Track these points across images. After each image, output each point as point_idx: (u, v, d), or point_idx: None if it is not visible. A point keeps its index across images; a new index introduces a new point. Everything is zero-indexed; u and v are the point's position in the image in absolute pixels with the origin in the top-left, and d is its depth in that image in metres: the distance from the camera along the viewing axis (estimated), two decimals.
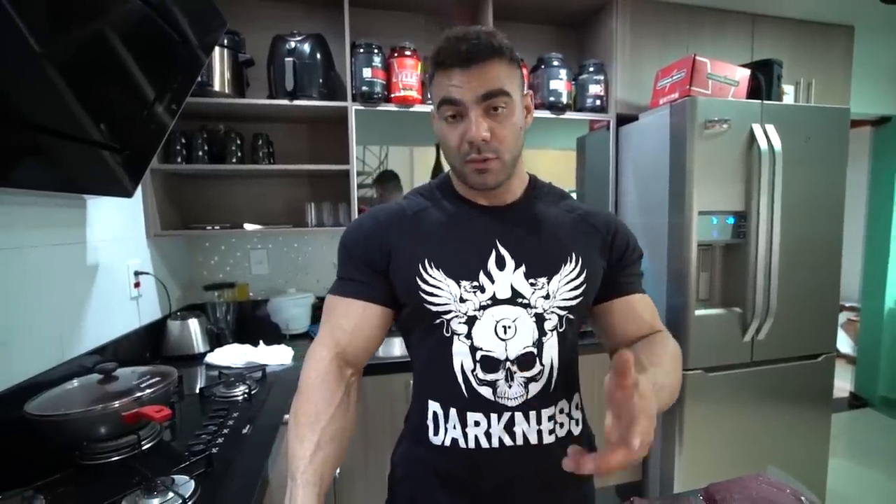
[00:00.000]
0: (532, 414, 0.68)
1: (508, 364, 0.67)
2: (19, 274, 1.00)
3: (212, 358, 1.50)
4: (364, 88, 1.71)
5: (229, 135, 1.73)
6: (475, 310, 0.66)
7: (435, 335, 0.68)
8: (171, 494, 0.73)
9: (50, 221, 1.12)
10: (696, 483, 0.84)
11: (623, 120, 2.03)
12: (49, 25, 0.74)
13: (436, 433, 0.70)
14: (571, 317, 0.69)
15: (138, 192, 1.42)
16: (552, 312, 0.68)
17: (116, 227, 1.41)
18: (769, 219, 1.68)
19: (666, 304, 1.77)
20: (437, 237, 0.70)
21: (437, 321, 0.67)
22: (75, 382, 0.97)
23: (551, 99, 1.91)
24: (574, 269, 0.69)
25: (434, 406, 0.70)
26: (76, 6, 0.78)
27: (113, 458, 0.89)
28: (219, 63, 1.61)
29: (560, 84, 1.91)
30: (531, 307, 0.67)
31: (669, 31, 2.05)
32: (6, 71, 0.69)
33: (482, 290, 0.67)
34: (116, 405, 0.87)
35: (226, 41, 1.61)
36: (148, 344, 1.50)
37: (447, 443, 0.69)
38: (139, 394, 0.90)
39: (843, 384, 2.99)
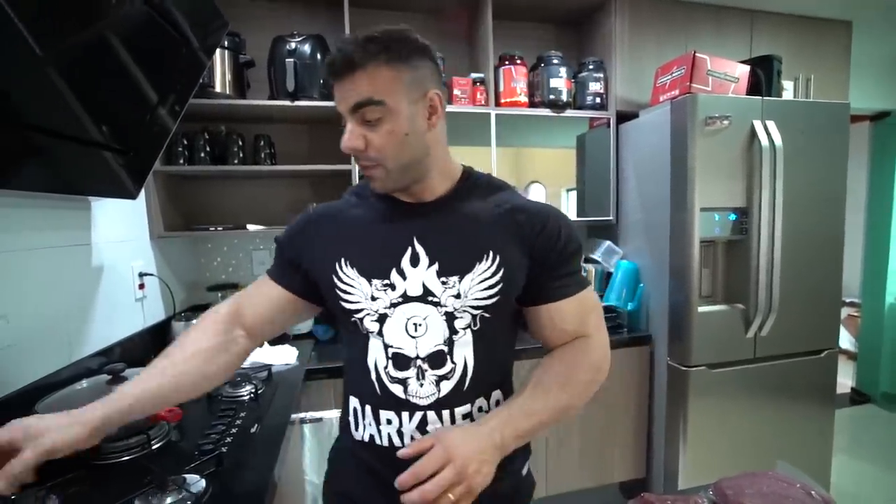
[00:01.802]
0: (445, 413, 0.67)
1: (419, 362, 0.66)
2: (28, 276, 1.00)
3: None
4: None
5: (231, 136, 1.74)
6: (386, 307, 0.67)
7: (353, 332, 0.70)
8: (183, 493, 0.74)
9: (56, 224, 1.12)
10: (701, 479, 0.84)
11: (623, 117, 2.03)
12: (50, 28, 0.74)
13: (356, 428, 0.72)
14: (488, 315, 0.67)
15: (141, 193, 1.43)
16: (464, 311, 0.66)
17: (120, 229, 1.41)
18: (771, 215, 1.69)
19: (668, 300, 1.78)
20: (357, 236, 0.71)
21: (353, 319, 0.69)
22: (84, 383, 0.97)
23: (551, 97, 1.92)
24: (489, 267, 0.66)
25: (354, 402, 0.72)
26: (77, 8, 0.78)
27: (123, 458, 0.89)
28: (220, 64, 1.61)
29: (560, 82, 1.92)
30: (441, 305, 0.66)
31: (668, 28, 2.06)
32: (7, 73, 0.69)
33: (392, 287, 0.67)
34: None
35: (226, 42, 1.61)
36: (153, 345, 1.50)
37: (365, 438, 0.71)
38: None
39: (844, 380, 2.99)
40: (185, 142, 1.67)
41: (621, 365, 1.87)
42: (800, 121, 1.72)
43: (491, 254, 0.66)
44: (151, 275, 1.53)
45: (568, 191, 2.21)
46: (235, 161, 1.73)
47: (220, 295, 1.82)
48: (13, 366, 0.93)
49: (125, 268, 1.41)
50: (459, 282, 0.66)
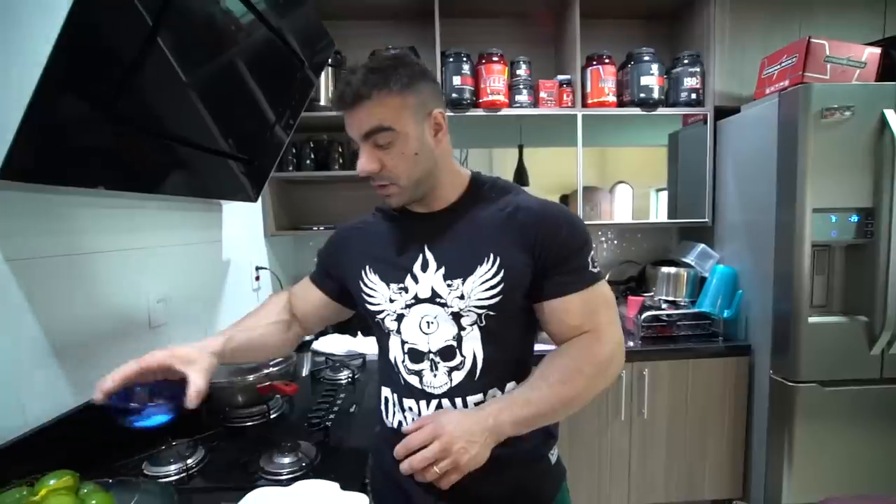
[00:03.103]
0: (458, 401, 0.72)
1: (432, 355, 0.72)
2: (179, 267, 1.21)
3: (317, 345, 1.67)
4: (454, 95, 1.80)
5: (332, 144, 1.91)
6: (402, 308, 0.73)
7: (379, 331, 0.79)
8: (299, 455, 0.86)
9: (197, 224, 1.33)
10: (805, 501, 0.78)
11: (722, 113, 1.90)
12: (192, 57, 0.88)
13: (387, 416, 0.79)
14: (493, 313, 0.70)
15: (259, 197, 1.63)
16: (469, 311, 0.70)
17: (242, 229, 1.63)
18: None
19: (772, 309, 1.63)
20: (378, 246, 0.79)
21: (376, 319, 0.77)
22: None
23: (641, 95, 1.86)
24: (490, 269, 0.69)
25: (385, 392, 0.80)
26: (213, 38, 0.92)
27: (248, 423, 1.05)
28: (324, 80, 1.79)
29: (651, 79, 1.85)
30: (448, 306, 0.71)
31: (777, 13, 1.89)
32: (159, 96, 0.85)
33: (406, 290, 0.73)
34: (251, 378, 1.03)
35: (329, 59, 1.78)
36: None
37: (395, 424, 0.77)
38: (268, 371, 1.06)
39: None
40: (294, 150, 1.87)
41: (714, 375, 1.75)
42: None
43: (491, 256, 0.70)
44: (265, 268, 1.74)
45: (657, 191, 2.11)
46: (336, 167, 1.90)
47: None
48: (167, 340, 1.14)
49: (245, 262, 1.63)
50: (462, 284, 0.70)
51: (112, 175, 0.84)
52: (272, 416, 1.08)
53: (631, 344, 1.77)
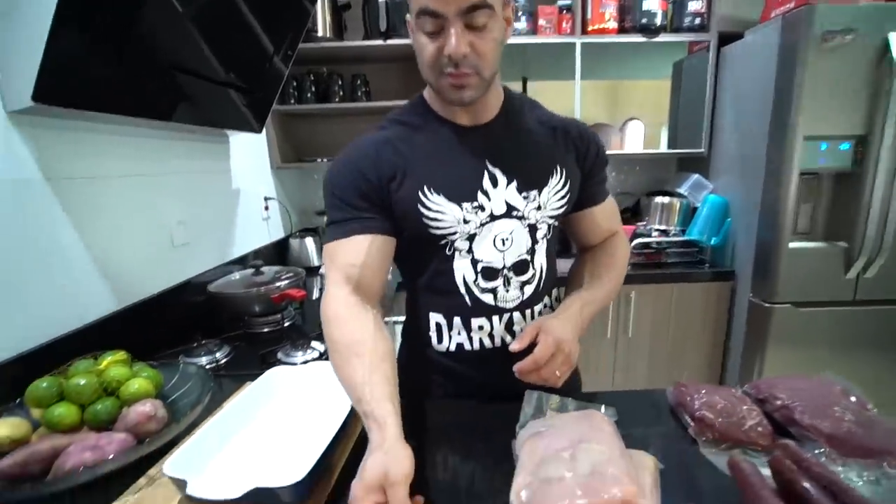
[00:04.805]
0: (527, 312, 0.76)
1: (506, 271, 0.73)
2: (195, 193, 1.31)
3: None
4: None
5: (332, 76, 1.93)
6: (476, 227, 0.71)
7: (437, 256, 0.72)
8: (311, 351, 1.00)
9: (207, 154, 1.42)
10: None
11: (727, 39, 1.86)
12: None
13: (440, 342, 0.77)
14: (556, 224, 0.77)
15: (263, 130, 1.70)
16: (543, 222, 0.74)
17: (249, 161, 1.71)
18: (895, 143, 1.50)
19: (756, 237, 1.71)
20: (429, 162, 0.70)
21: (442, 242, 0.71)
22: (237, 275, 1.28)
23: (643, 21, 1.82)
24: (560, 180, 0.74)
25: (436, 318, 0.76)
26: None
27: (265, 329, 1.20)
28: (321, 10, 1.78)
29: (654, 3, 1.80)
30: (524, 219, 0.72)
31: None
32: (156, 27, 0.89)
33: (482, 208, 0.70)
34: (264, 290, 1.16)
35: None
36: (276, 256, 1.84)
37: (452, 348, 0.76)
38: (279, 283, 1.19)
39: None
40: (294, 83, 1.90)
41: (698, 299, 1.87)
42: None
43: (559, 168, 0.74)
44: (273, 199, 1.84)
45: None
46: (336, 99, 1.94)
47: (325, 219, 2.11)
48: (188, 259, 1.26)
49: (254, 192, 1.72)
50: (539, 195, 0.72)
51: (126, 102, 0.92)
52: (286, 325, 1.22)
53: None
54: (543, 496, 0.49)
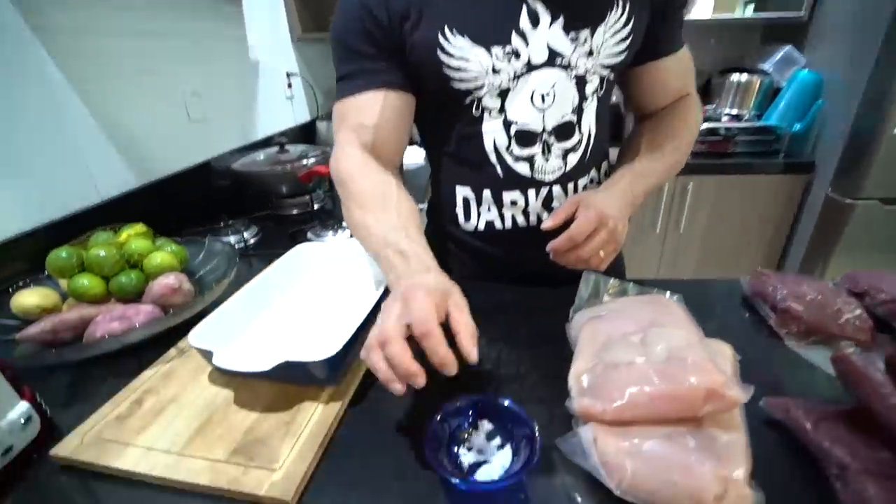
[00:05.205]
0: (570, 186, 0.64)
1: (546, 136, 0.61)
2: (210, 62, 1.17)
3: None
4: None
5: None
6: (509, 80, 0.57)
7: (462, 117, 0.61)
8: (341, 231, 0.93)
9: (216, 15, 1.24)
10: None
11: None
12: None
13: (467, 219, 0.68)
14: (611, 78, 0.61)
15: None
16: (594, 74, 0.59)
17: (266, 29, 1.52)
18: None
19: (852, 124, 1.45)
20: None
21: (467, 100, 0.59)
22: (261, 154, 1.19)
23: None
24: (621, 16, 0.56)
25: (464, 192, 0.66)
26: None
27: (294, 212, 1.14)
28: None
29: None
30: (571, 68, 0.57)
31: None
32: None
33: (516, 55, 0.55)
34: (290, 168, 1.07)
35: None
36: (303, 139, 1.73)
37: (480, 226, 0.67)
38: (306, 161, 1.10)
39: None
40: None
41: (764, 196, 1.68)
42: None
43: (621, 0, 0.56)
44: (296, 75, 1.68)
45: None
46: None
47: None
48: (206, 135, 1.17)
49: (274, 68, 1.56)
50: (591, 36, 0.56)
51: None
52: (315, 208, 1.15)
53: None
54: (609, 382, 0.42)
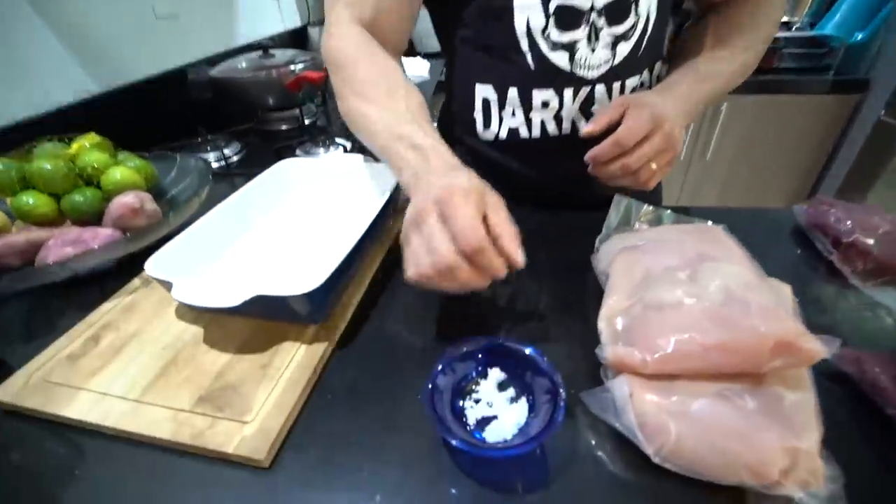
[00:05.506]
0: (616, 86, 0.52)
1: (594, 15, 0.48)
2: None
3: None
4: None
5: None
6: None
7: None
8: (335, 147, 0.83)
9: None
10: None
11: None
12: None
13: (486, 125, 0.57)
14: None
15: None
16: None
17: None
18: None
19: None
20: None
21: None
22: (243, 61, 1.04)
23: None
24: None
25: (484, 91, 0.55)
26: None
27: (282, 128, 1.02)
28: None
29: None
30: None
31: None
32: None
33: None
34: (276, 73, 0.94)
35: None
36: (293, 46, 1.55)
37: (502, 135, 0.56)
38: (294, 66, 0.95)
39: None
40: None
41: (806, 118, 1.51)
42: None
43: None
44: None
45: None
46: None
47: None
48: (180, 39, 1.01)
49: None
50: None
51: None
52: (306, 123, 1.03)
53: None
54: (650, 327, 0.34)
